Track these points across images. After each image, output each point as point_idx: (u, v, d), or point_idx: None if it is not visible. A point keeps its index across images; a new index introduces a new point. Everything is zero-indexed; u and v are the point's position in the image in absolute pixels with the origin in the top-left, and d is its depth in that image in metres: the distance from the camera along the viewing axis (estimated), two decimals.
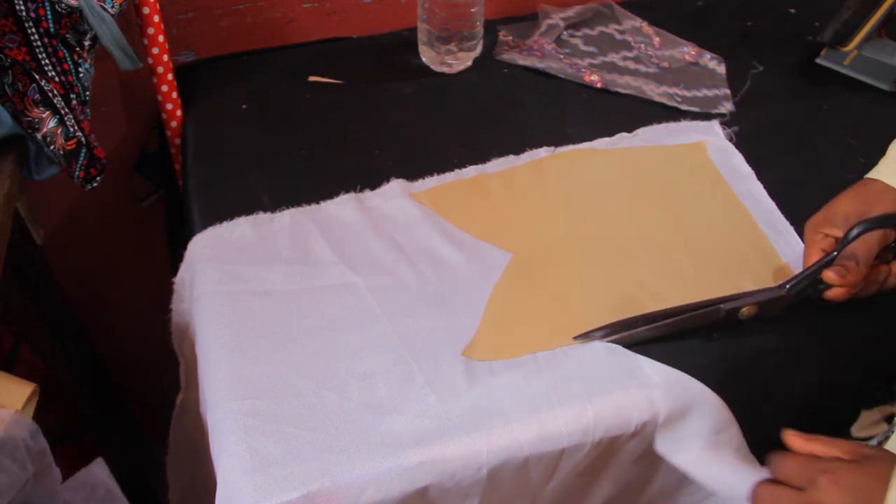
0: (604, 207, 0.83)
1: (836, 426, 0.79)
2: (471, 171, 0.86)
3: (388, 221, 0.80)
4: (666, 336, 0.70)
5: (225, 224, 0.78)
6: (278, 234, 0.78)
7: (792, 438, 0.61)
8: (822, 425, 0.63)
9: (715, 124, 0.92)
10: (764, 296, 0.71)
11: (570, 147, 0.89)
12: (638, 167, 0.88)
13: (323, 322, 0.71)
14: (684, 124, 0.92)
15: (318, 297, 0.73)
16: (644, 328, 0.70)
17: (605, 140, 0.90)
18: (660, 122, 0.93)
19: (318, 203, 0.81)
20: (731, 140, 0.90)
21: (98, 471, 0.67)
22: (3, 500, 0.60)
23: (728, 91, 0.98)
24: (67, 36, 0.74)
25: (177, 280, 0.78)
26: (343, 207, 0.81)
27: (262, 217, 0.79)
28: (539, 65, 1.00)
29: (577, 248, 0.79)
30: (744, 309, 0.70)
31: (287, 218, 0.79)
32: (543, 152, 0.88)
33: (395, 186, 0.83)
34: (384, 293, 0.73)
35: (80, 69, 0.76)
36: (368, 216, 0.80)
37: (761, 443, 0.68)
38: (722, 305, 0.70)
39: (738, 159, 0.88)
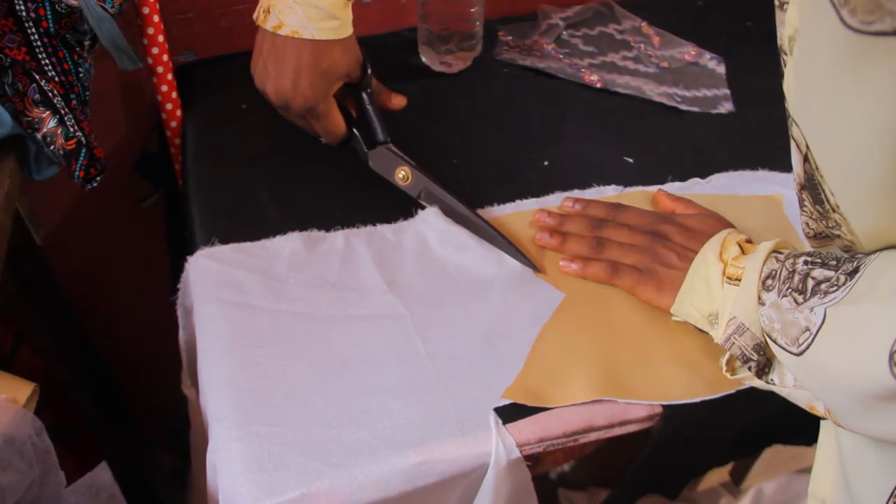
0: None
1: None
2: (531, 203, 0.83)
3: (432, 247, 0.78)
4: None
5: (235, 245, 0.77)
6: (280, 254, 0.76)
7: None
8: None
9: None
10: None
11: (640, 188, 0.85)
12: None
13: (328, 346, 0.69)
14: (761, 174, 0.87)
15: (314, 319, 0.71)
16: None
17: (677, 185, 0.86)
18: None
19: (325, 227, 0.79)
20: None
21: (102, 475, 0.66)
22: (10, 499, 0.60)
23: (728, 91, 0.98)
24: (67, 36, 0.74)
25: (179, 295, 0.77)
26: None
27: (276, 240, 0.77)
28: (539, 65, 1.00)
29: (636, 298, 0.74)
30: None
31: (326, 240, 0.78)
32: (611, 190, 0.84)
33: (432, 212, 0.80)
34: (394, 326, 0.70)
35: (80, 69, 0.76)
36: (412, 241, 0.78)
37: None
38: None
39: None
